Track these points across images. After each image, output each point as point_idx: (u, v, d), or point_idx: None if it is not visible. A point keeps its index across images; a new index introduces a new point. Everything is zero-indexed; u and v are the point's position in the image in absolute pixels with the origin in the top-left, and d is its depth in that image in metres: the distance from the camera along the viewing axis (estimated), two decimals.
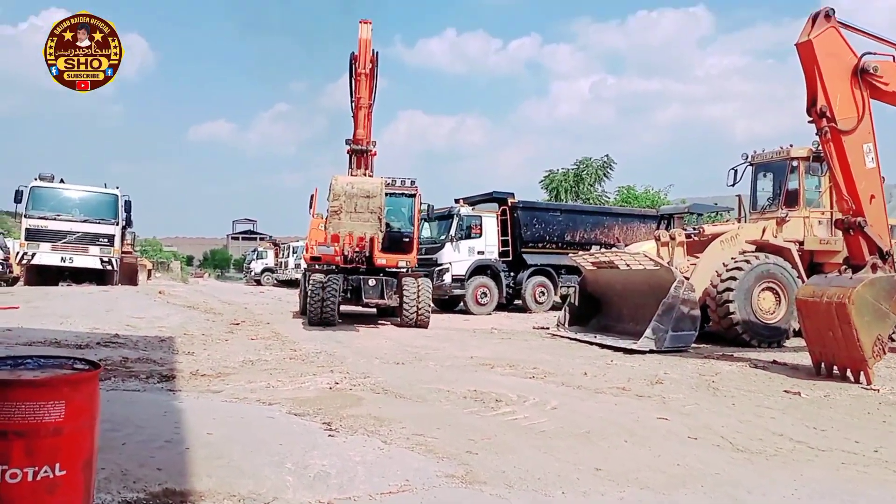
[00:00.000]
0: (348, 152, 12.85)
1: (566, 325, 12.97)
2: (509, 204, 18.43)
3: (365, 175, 12.35)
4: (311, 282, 12.88)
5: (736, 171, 13.08)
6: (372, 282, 13.36)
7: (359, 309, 14.80)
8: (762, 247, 11.70)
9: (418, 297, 13.12)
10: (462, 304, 18.16)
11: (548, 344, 11.52)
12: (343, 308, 13.61)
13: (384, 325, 14.04)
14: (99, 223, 19.17)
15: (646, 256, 10.87)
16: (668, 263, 11.29)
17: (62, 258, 18.49)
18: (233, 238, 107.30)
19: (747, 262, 11.11)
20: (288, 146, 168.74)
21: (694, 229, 12.61)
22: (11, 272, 23.68)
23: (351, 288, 13.32)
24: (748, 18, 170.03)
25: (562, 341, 11.89)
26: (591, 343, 11.31)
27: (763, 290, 11.12)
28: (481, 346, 10.94)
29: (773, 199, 12.86)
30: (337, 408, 5.89)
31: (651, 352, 10.08)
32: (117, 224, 19.51)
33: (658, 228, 16.87)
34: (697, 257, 12.08)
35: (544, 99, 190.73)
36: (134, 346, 9.29)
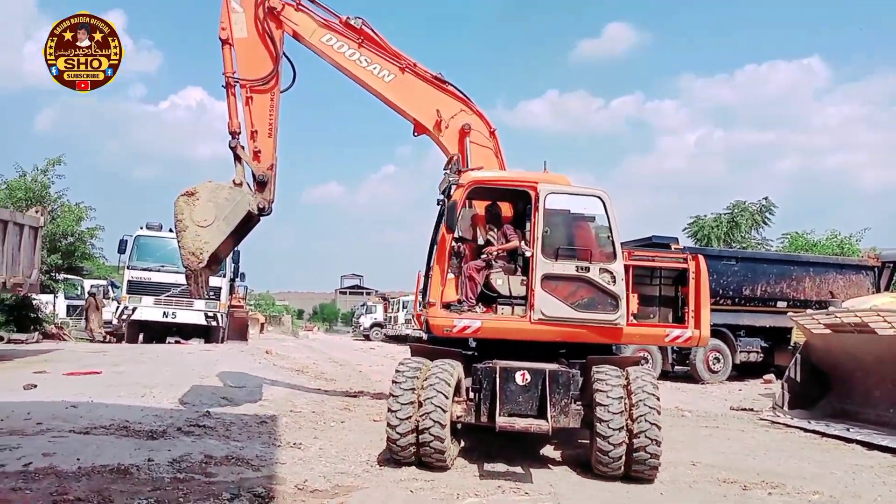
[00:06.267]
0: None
1: (785, 409, 9.58)
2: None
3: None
4: (395, 373, 6.12)
5: None
6: (521, 377, 6.03)
7: None
8: None
9: (632, 412, 5.59)
10: None
11: (781, 439, 8.19)
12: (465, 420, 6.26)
13: (557, 463, 6.53)
14: None
15: None
16: None
17: (164, 313, 16.84)
18: (340, 292, 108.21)
19: None
20: (393, 206, 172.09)
21: None
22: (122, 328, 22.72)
23: (480, 389, 6.12)
24: (867, 66, 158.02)
25: (796, 434, 8.51)
26: (847, 440, 7.91)
27: None
28: (691, 441, 7.79)
29: None
30: None
31: None
32: (225, 276, 17.77)
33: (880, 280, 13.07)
34: None
35: (649, 154, 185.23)
36: (225, 434, 6.91)
